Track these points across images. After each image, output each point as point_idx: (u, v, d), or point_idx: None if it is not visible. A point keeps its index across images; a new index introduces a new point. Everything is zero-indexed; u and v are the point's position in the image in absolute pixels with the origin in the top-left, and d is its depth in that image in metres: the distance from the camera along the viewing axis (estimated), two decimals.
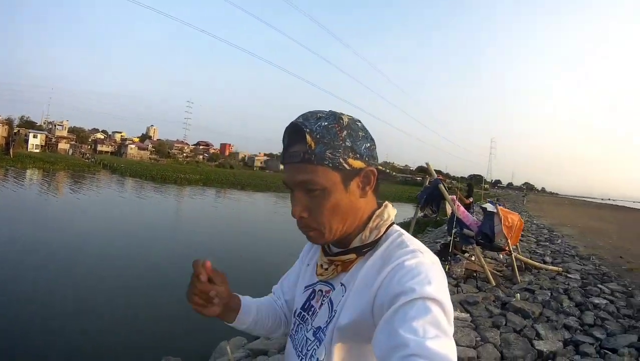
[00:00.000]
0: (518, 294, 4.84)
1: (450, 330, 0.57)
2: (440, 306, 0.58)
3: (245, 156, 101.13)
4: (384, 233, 0.75)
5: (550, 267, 6.53)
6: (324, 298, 0.78)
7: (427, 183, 6.86)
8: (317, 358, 0.73)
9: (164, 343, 5.60)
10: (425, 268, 0.63)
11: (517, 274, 5.67)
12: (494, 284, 5.25)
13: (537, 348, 3.31)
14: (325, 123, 0.70)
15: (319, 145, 0.68)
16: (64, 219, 14.01)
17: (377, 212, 0.77)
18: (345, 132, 0.71)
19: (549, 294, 4.94)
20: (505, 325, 3.84)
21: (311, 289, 0.85)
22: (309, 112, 0.73)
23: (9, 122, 46.58)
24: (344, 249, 0.77)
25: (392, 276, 0.64)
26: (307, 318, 0.81)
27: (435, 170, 7.25)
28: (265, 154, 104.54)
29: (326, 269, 0.79)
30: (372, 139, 0.76)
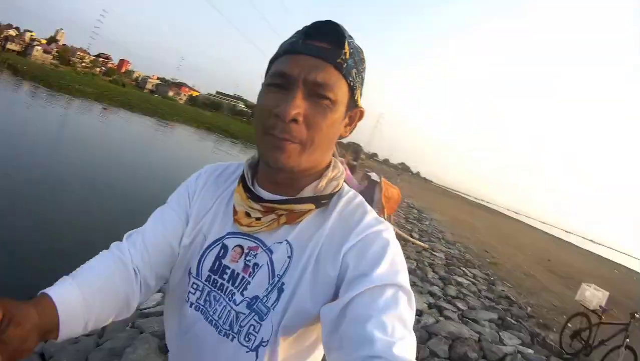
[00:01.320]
0: None
1: (412, 321, 0.52)
2: (408, 296, 0.53)
3: (139, 75, 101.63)
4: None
5: (418, 242, 6.85)
6: (251, 258, 0.62)
7: None
8: (262, 338, 0.59)
9: None
10: (394, 248, 0.58)
11: None
12: None
13: None
14: (357, 45, 0.63)
15: (351, 59, 0.60)
16: None
17: (333, 162, 0.67)
18: (365, 65, 0.64)
19: (415, 263, 5.15)
20: None
21: (220, 244, 0.65)
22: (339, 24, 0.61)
23: None
24: (295, 197, 0.63)
25: (362, 249, 0.56)
26: (226, 286, 0.63)
27: None
28: (158, 78, 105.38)
29: (258, 219, 0.62)
30: None
